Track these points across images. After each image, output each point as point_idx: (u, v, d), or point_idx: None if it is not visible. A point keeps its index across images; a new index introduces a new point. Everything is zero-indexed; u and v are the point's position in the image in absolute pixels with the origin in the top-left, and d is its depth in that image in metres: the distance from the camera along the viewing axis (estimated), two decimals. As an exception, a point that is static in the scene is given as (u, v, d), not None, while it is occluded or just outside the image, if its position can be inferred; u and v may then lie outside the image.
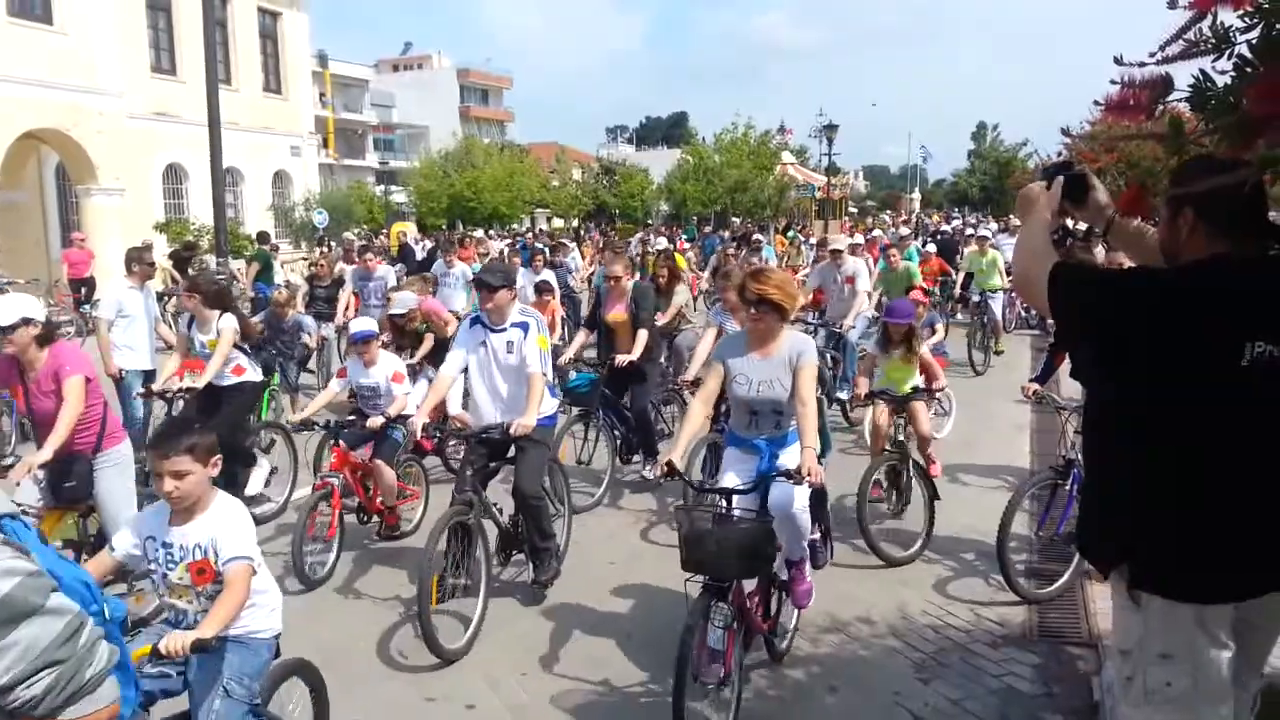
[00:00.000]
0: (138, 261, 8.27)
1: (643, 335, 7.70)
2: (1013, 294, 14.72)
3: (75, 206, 23.91)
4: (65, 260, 19.31)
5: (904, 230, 19.79)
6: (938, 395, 7.25)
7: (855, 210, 54.65)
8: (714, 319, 7.71)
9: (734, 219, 41.91)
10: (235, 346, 7.16)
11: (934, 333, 9.48)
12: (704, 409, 4.70)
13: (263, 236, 19.10)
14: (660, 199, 50.84)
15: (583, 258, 21.26)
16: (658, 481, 7.64)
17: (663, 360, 9.23)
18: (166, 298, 16.58)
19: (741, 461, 4.70)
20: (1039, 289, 2.50)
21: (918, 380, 7.01)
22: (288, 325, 9.85)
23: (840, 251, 10.80)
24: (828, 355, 9.78)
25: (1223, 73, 2.05)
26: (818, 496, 4.59)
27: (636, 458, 8.06)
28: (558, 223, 48.29)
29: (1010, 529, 5.48)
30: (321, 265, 13.13)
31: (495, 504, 5.72)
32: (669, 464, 4.26)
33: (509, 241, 26.82)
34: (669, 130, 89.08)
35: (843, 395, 9.80)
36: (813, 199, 44.01)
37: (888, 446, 6.59)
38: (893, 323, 6.94)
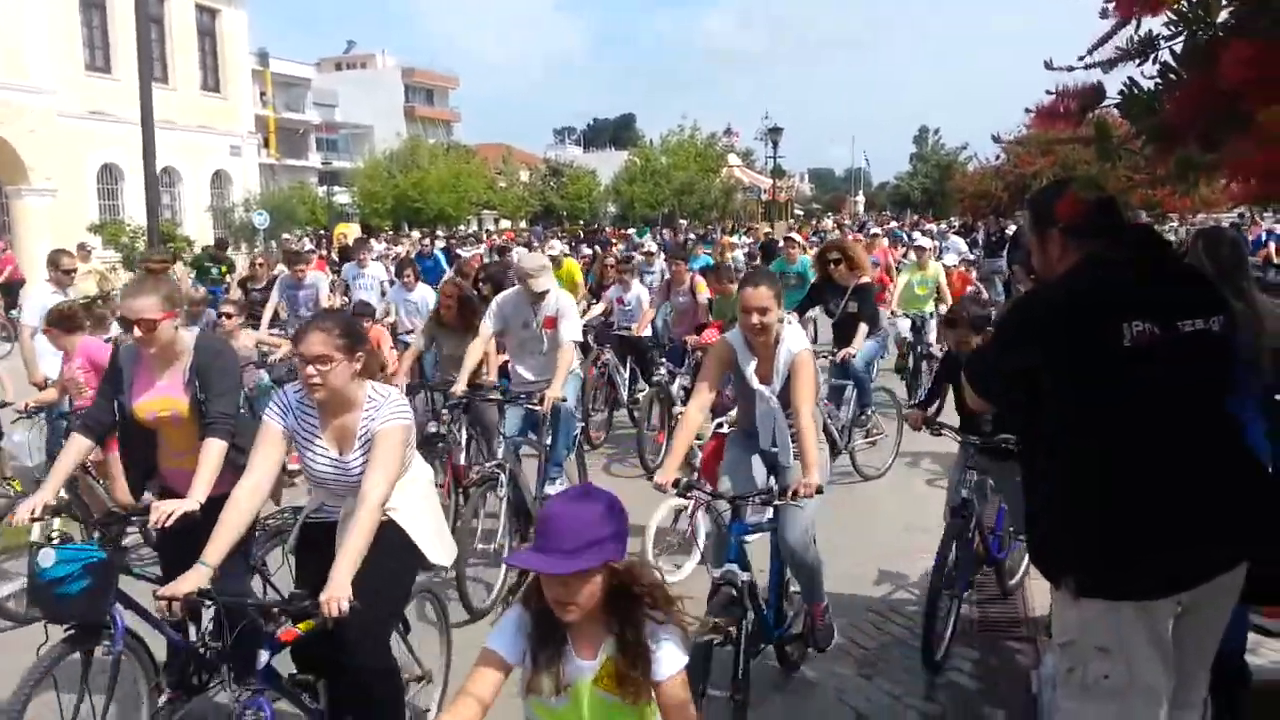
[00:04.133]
0: (52, 265, 8.18)
1: (215, 451, 3.76)
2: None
3: (5, 208, 23.26)
4: (-9, 264, 18.73)
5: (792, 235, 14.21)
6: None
7: (801, 213, 55.18)
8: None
9: (681, 220, 42.07)
10: None
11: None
12: None
13: (220, 243, 18.57)
14: (608, 201, 50.86)
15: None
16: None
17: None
18: (101, 301, 16.21)
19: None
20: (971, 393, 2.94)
21: None
22: (202, 326, 9.40)
23: (533, 277, 6.19)
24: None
25: (1149, 78, 2.10)
26: None
27: None
28: (505, 224, 48.06)
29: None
30: (259, 267, 12.81)
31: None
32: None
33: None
34: (616, 132, 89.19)
35: (550, 489, 6.17)
36: (759, 201, 44.34)
37: None
38: (546, 569, 2.12)
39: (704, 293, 9.20)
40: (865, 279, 8.23)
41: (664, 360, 8.80)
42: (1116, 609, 2.45)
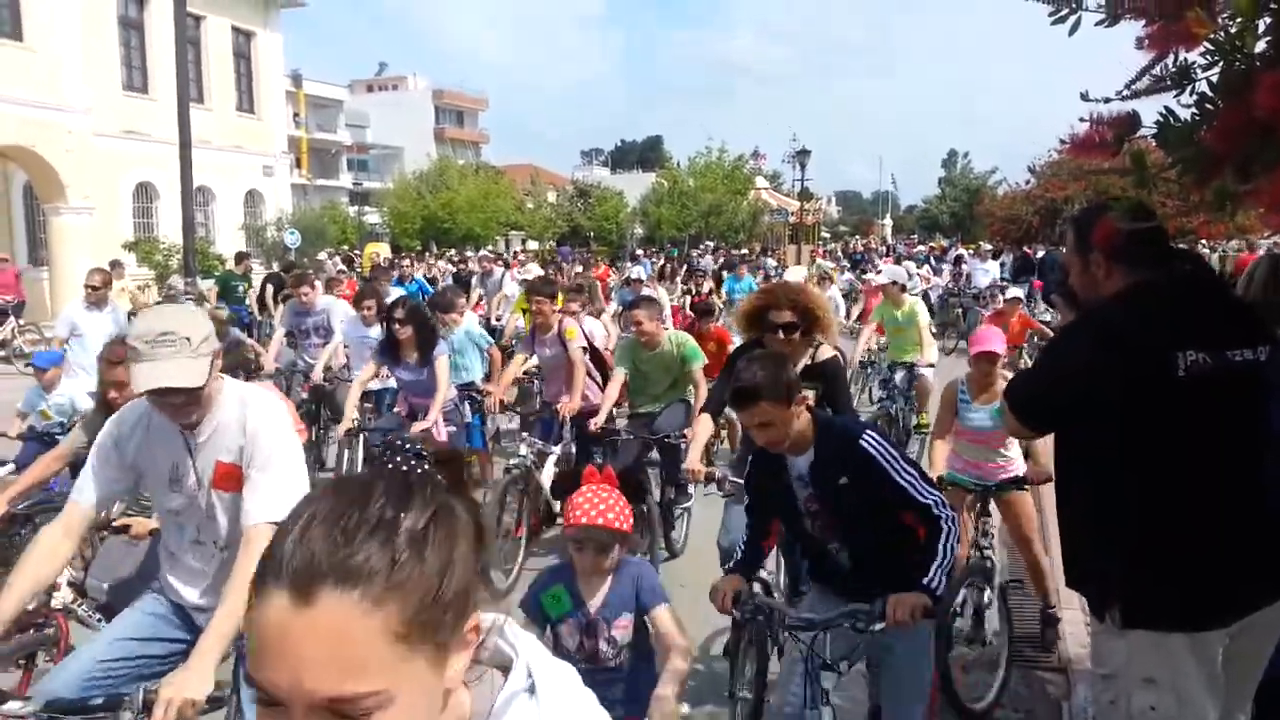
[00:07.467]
0: (86, 282, 8.50)
1: None
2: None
3: (44, 225, 23.64)
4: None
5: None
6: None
7: (828, 235, 55.11)
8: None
9: (708, 242, 42.09)
10: None
11: None
12: None
13: (239, 256, 18.39)
14: (635, 222, 51.01)
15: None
16: None
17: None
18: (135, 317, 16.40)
19: None
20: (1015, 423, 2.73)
21: None
22: (229, 343, 9.29)
23: (147, 389, 2.67)
24: None
25: (1186, 106, 2.09)
26: None
27: None
28: (532, 244, 48.25)
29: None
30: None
31: None
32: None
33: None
34: (644, 153, 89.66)
35: None
36: (786, 224, 44.30)
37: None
38: None
39: (576, 341, 6.59)
40: (830, 352, 4.60)
41: (524, 435, 6.71)
42: (1167, 640, 2.41)
